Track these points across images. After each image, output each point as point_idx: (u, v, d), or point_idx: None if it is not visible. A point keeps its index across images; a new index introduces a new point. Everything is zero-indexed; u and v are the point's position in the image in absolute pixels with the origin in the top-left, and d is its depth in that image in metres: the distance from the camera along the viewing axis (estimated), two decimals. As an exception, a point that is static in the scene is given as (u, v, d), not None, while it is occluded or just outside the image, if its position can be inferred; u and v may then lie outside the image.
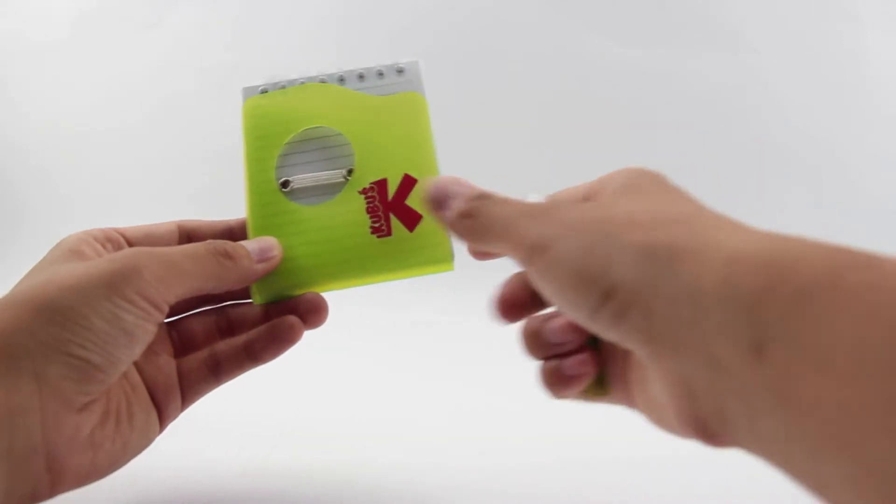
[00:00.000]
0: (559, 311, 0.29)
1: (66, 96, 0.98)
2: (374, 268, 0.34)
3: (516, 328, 0.32)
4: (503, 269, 0.32)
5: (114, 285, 0.27)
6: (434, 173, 0.35)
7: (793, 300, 0.18)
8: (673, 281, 0.22)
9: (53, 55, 0.99)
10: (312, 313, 0.35)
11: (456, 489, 0.40)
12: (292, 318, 0.34)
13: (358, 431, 0.49)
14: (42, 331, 0.26)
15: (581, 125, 0.94)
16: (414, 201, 0.35)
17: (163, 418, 0.33)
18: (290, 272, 0.34)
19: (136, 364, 0.32)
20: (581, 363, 0.29)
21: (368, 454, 0.45)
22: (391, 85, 0.38)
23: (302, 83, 0.38)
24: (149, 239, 0.36)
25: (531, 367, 0.31)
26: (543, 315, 0.31)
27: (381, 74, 0.38)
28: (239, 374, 0.35)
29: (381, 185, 0.35)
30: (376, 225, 0.35)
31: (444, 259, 0.35)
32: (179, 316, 0.36)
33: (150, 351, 0.33)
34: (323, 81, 0.38)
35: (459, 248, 0.33)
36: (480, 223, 0.28)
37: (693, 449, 0.24)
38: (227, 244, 0.32)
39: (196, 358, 0.35)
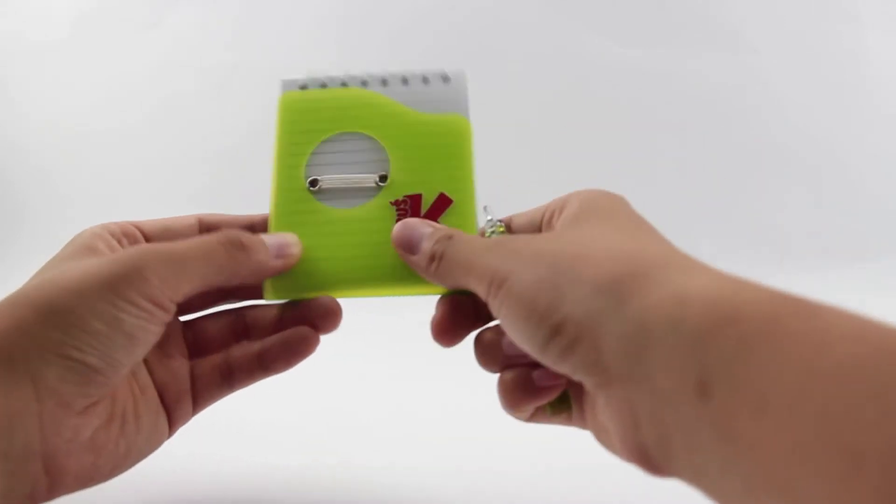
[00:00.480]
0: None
1: (66, 96, 0.99)
2: (397, 280, 0.33)
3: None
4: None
5: (114, 287, 0.27)
6: (471, 199, 0.34)
7: (736, 343, 0.19)
8: (621, 317, 0.22)
9: (53, 55, 0.99)
10: (327, 318, 0.33)
11: (471, 492, 0.40)
12: (306, 330, 0.33)
13: (361, 433, 0.49)
14: (39, 333, 0.26)
15: (581, 125, 0.94)
16: (447, 221, 0.34)
17: (172, 422, 0.32)
18: (308, 273, 0.33)
19: (147, 365, 0.32)
20: (554, 374, 0.28)
21: (369, 456, 0.45)
22: (436, 100, 0.37)
23: (343, 83, 0.38)
24: (167, 233, 0.34)
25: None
26: (497, 328, 0.31)
27: (426, 80, 0.37)
28: (251, 383, 0.34)
29: (416, 199, 0.34)
30: None
31: None
32: (196, 315, 0.35)
33: (163, 353, 0.32)
34: (364, 83, 0.37)
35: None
36: (446, 264, 0.29)
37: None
38: (243, 235, 0.31)
39: (210, 362, 0.34)
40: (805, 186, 0.94)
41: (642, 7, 0.98)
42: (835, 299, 0.20)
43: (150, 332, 0.28)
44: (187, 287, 0.29)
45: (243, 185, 0.36)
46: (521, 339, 0.25)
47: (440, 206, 0.34)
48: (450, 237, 0.30)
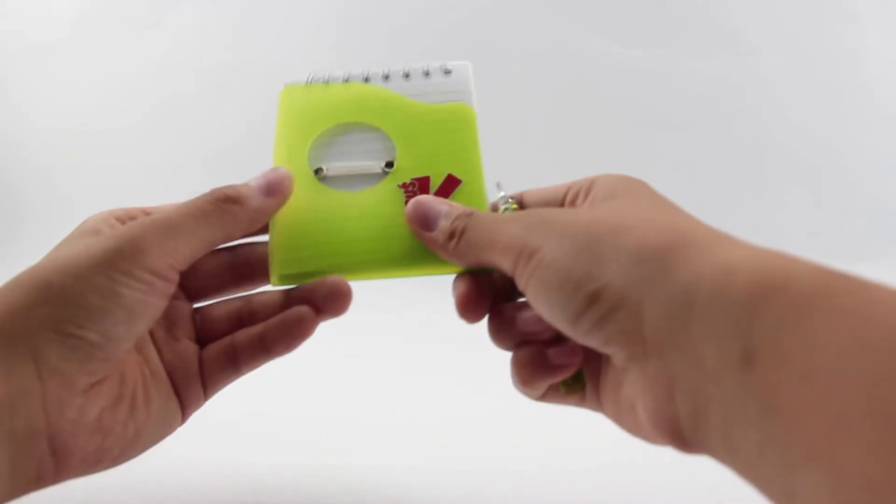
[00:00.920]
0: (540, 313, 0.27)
1: (66, 96, 0.98)
2: (407, 261, 0.32)
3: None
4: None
5: (110, 261, 0.27)
6: (479, 179, 0.34)
7: (785, 313, 0.19)
8: (666, 284, 0.22)
9: (53, 55, 0.99)
10: (335, 299, 0.32)
11: (471, 492, 0.40)
12: (304, 309, 0.32)
13: (361, 433, 0.49)
14: (37, 311, 0.26)
15: (581, 125, 0.94)
16: (457, 200, 0.33)
17: (185, 407, 0.32)
18: (315, 258, 0.33)
19: (157, 348, 0.32)
20: (570, 352, 0.28)
21: (370, 456, 0.45)
22: (439, 92, 0.37)
23: (346, 79, 0.38)
24: None
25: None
26: (512, 305, 0.31)
27: (427, 74, 0.37)
28: (256, 367, 0.33)
29: (424, 181, 0.34)
30: None
31: None
32: (207, 302, 0.35)
33: (171, 335, 0.32)
34: (367, 79, 0.37)
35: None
36: (467, 240, 0.29)
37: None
38: (228, 188, 0.30)
39: (216, 346, 0.33)
40: (805, 186, 0.94)
41: (642, 7, 0.98)
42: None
43: (150, 304, 0.28)
44: (187, 251, 0.29)
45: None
46: (550, 311, 0.25)
47: (449, 187, 0.34)
48: (469, 214, 0.29)
